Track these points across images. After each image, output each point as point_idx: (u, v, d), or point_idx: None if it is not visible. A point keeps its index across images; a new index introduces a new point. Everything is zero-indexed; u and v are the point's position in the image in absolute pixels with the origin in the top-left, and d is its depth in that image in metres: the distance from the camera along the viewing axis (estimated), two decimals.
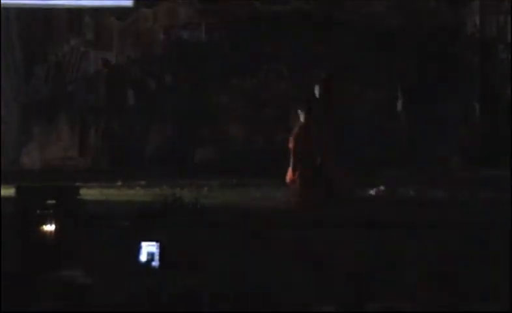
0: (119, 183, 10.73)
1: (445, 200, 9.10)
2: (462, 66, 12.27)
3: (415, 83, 12.29)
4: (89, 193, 8.62)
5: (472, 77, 12.19)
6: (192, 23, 12.91)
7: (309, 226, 7.26)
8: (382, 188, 9.84)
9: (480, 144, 12.05)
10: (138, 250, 5.73)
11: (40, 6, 12.38)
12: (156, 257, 6.08)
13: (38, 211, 6.61)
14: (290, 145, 8.73)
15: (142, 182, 10.60)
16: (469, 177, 11.20)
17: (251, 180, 10.71)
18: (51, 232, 6.63)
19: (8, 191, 7.68)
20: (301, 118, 8.82)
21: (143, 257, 5.89)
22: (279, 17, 12.61)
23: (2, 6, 11.57)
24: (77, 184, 7.75)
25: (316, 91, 9.10)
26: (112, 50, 12.93)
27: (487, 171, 11.57)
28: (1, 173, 10.18)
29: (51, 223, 6.64)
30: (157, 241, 6.14)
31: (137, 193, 9.75)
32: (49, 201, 6.71)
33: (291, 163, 8.69)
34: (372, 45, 12.39)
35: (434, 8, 12.34)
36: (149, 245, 6.04)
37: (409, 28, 12.37)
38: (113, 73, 12.90)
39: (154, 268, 5.97)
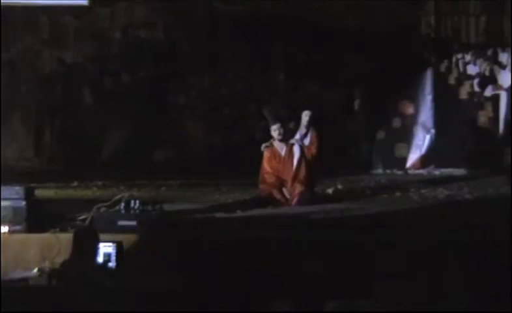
0: (75, 184, 10.59)
1: (401, 199, 9.19)
2: (418, 66, 12.44)
3: (372, 82, 12.41)
4: (44, 194, 8.50)
5: (428, 77, 12.36)
6: (150, 23, 12.82)
7: (268, 227, 7.26)
8: (339, 187, 9.91)
9: (435, 144, 12.22)
10: (95, 250, 5.65)
11: None
12: (113, 258, 6.01)
13: None
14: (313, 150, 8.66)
15: (100, 183, 10.48)
16: (426, 177, 11.39)
17: (210, 180, 10.67)
18: (4, 234, 6.52)
19: None
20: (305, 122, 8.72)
21: (100, 258, 5.82)
22: (238, 16, 12.61)
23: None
24: (32, 184, 7.60)
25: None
26: (68, 49, 12.76)
27: (442, 171, 11.79)
28: None
29: (4, 225, 6.53)
30: (114, 242, 6.08)
31: (93, 193, 9.62)
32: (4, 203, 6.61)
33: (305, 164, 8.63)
34: (330, 45, 12.47)
35: (390, 8, 12.48)
36: (106, 246, 5.98)
37: (366, 28, 12.49)
38: (69, 72, 12.74)
39: (110, 269, 5.91)
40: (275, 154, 8.70)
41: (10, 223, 6.55)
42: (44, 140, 12.55)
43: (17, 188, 6.72)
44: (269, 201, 8.61)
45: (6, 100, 12.41)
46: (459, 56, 12.40)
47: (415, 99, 12.34)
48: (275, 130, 8.66)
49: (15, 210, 6.58)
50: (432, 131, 12.25)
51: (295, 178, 8.64)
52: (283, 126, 8.71)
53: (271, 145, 8.73)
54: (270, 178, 8.69)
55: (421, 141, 12.29)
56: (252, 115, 12.53)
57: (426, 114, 12.28)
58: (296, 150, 8.68)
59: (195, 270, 6.02)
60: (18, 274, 6.04)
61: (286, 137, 8.72)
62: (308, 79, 12.53)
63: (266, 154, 8.71)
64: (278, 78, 12.69)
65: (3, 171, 9.62)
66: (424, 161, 12.22)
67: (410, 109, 12.40)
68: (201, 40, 12.67)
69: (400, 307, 5.24)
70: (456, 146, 11.96)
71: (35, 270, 6.02)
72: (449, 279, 5.80)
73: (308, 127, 8.71)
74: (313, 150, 8.69)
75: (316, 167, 8.75)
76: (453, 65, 12.43)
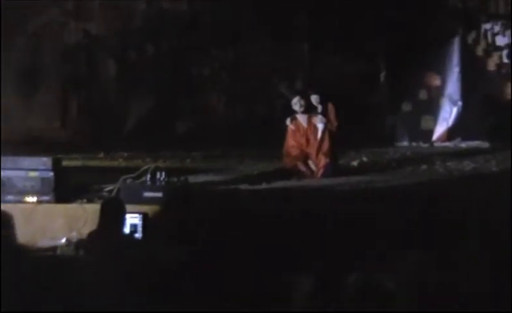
0: (101, 155, 10.67)
1: (427, 172, 9.14)
2: (445, 37, 12.26)
3: (399, 53, 12.26)
4: (71, 164, 8.59)
5: (455, 48, 12.18)
6: None
7: (293, 199, 7.26)
8: (364, 159, 9.88)
9: (461, 116, 12.09)
10: (122, 221, 5.69)
11: None
12: (139, 229, 6.07)
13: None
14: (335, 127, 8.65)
15: (125, 154, 10.55)
16: (452, 150, 11.31)
17: (233, 151, 10.69)
18: (32, 204, 6.61)
19: None
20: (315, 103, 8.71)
21: (126, 229, 5.87)
22: None
23: None
24: (59, 156, 7.68)
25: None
26: (92, 20, 12.77)
27: (469, 143, 11.69)
28: None
29: (33, 195, 6.62)
30: (140, 213, 6.13)
31: (119, 165, 9.70)
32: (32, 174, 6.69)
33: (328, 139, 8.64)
34: (355, 15, 12.32)
35: None
36: (132, 217, 6.03)
37: None
38: (93, 44, 12.76)
39: (137, 240, 5.97)
40: (299, 127, 8.73)
41: (38, 193, 6.64)
42: (70, 112, 12.62)
43: (45, 158, 6.80)
44: (294, 173, 8.64)
45: (32, 71, 12.49)
46: (487, 27, 12.20)
47: (442, 71, 12.19)
48: (295, 104, 8.72)
49: (43, 180, 6.67)
50: (459, 103, 12.11)
51: (319, 150, 8.65)
52: (302, 98, 8.74)
53: (295, 118, 8.75)
54: (294, 152, 8.71)
55: (448, 114, 12.16)
56: (275, 87, 12.48)
57: (453, 86, 12.14)
58: (319, 123, 8.70)
59: (219, 241, 6.05)
60: (46, 243, 6.12)
61: (308, 109, 8.74)
62: (333, 51, 12.42)
63: (291, 127, 8.75)
64: (302, 50, 12.60)
65: (30, 141, 9.72)
66: (450, 134, 12.10)
67: (436, 81, 12.26)
68: (224, 11, 12.60)
69: (423, 279, 5.22)
70: (483, 119, 11.82)
71: (63, 240, 6.10)
72: (474, 252, 5.77)
73: (323, 104, 8.73)
74: (334, 123, 8.71)
75: (337, 139, 8.76)
76: (481, 36, 12.23)
